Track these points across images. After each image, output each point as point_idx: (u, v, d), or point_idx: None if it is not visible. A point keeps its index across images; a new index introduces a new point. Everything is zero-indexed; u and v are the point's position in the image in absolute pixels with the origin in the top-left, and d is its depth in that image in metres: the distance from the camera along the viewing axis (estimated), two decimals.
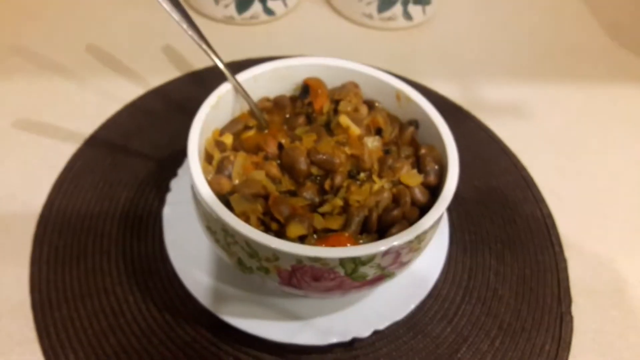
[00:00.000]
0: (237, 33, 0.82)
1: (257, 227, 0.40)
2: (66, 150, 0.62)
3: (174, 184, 0.56)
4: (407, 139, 0.51)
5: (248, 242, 0.39)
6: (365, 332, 0.46)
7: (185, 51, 0.77)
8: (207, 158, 0.48)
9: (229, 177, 0.45)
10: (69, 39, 0.77)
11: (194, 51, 0.76)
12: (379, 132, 0.51)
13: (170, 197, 0.55)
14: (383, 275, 0.42)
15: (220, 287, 0.48)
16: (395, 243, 0.39)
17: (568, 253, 0.57)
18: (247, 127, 0.52)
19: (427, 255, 0.50)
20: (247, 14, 0.81)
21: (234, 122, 0.52)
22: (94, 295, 0.49)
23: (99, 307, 0.48)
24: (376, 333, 0.47)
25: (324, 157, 0.47)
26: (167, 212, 0.54)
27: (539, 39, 0.86)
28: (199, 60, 0.75)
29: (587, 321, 0.52)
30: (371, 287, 0.43)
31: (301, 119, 0.52)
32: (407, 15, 0.83)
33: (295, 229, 0.41)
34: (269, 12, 0.83)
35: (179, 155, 0.56)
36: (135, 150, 0.61)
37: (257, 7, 0.81)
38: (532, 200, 0.61)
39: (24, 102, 0.68)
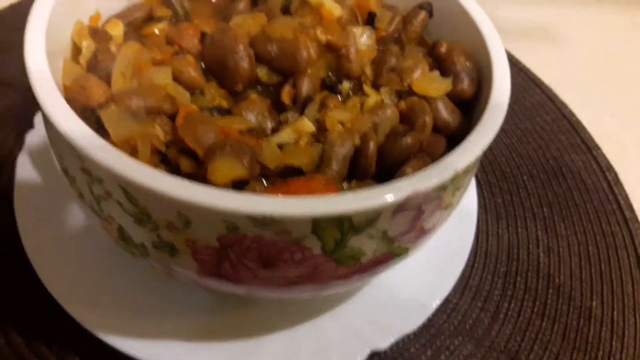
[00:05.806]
0: None
1: (152, 165, 0.25)
2: None
3: (40, 119, 0.37)
4: (415, 30, 0.33)
5: (127, 190, 0.21)
6: (355, 356, 0.30)
7: None
8: (75, 55, 0.29)
9: (106, 79, 0.26)
10: None
11: None
12: (370, 21, 0.31)
13: (30, 138, 0.35)
14: (390, 254, 0.26)
15: (103, 286, 0.32)
16: (420, 187, 0.22)
17: None
18: (152, 18, 0.33)
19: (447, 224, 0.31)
20: None
21: (131, 8, 0.35)
22: None
23: None
24: (375, 356, 0.31)
25: (280, 46, 0.27)
26: (23, 162, 0.37)
27: None
28: None
29: None
30: (365, 278, 0.28)
31: (243, 4, 0.32)
32: None
33: (223, 168, 0.24)
34: None
35: None
36: None
37: None
38: (582, 148, 0.48)
39: None
